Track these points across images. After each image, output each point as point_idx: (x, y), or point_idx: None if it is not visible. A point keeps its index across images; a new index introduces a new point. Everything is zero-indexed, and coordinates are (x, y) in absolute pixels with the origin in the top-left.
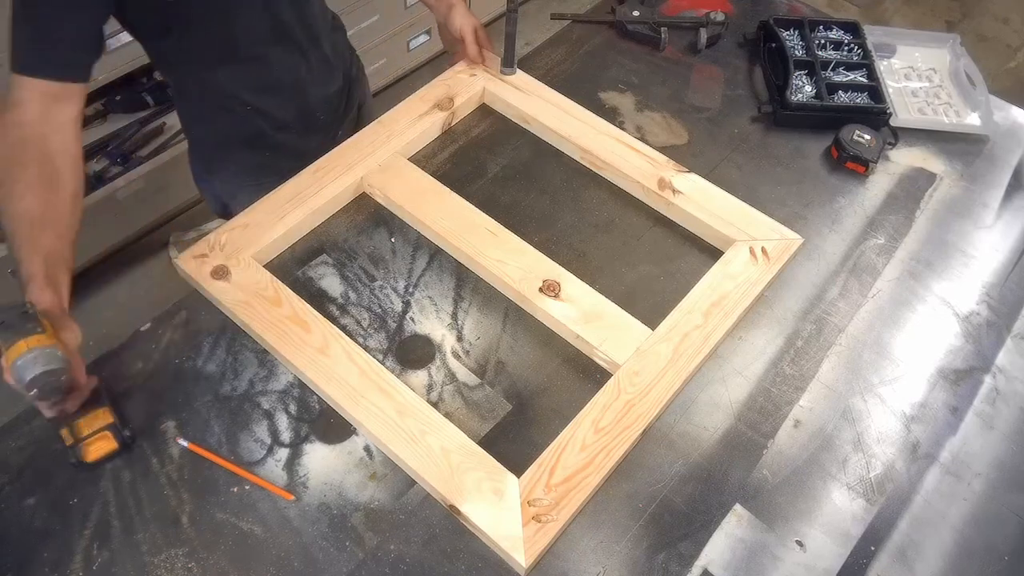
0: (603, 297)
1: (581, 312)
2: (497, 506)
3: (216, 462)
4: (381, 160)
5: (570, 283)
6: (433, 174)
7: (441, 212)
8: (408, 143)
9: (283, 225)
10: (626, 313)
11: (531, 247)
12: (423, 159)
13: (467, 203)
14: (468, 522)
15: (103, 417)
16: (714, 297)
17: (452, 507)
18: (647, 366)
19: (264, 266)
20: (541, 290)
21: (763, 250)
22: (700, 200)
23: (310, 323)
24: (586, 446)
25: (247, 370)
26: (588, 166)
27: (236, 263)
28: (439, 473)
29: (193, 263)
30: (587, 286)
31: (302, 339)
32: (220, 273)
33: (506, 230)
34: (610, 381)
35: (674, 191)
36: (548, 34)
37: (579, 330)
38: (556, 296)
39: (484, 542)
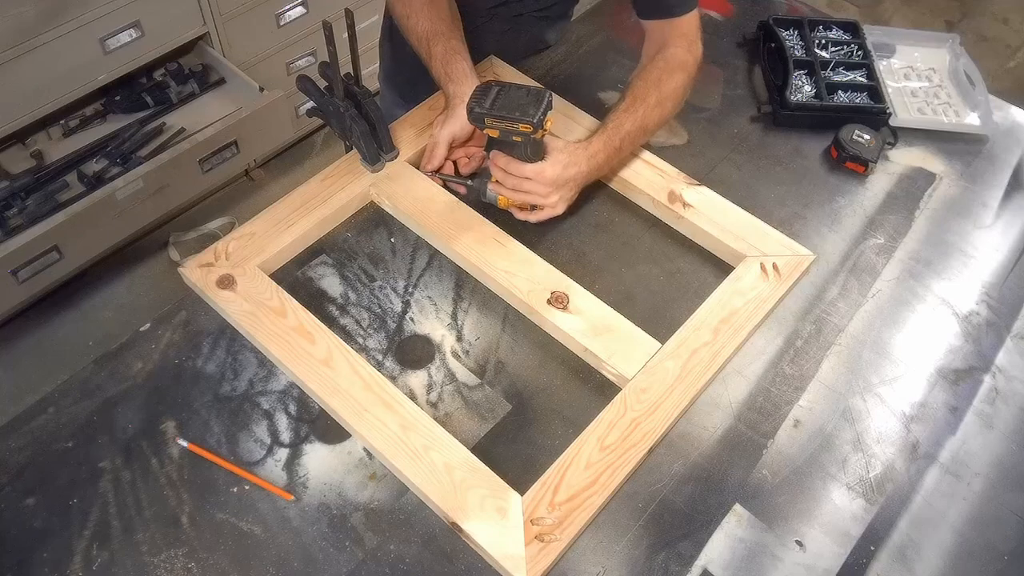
0: (611, 309)
1: (590, 324)
2: (500, 524)
3: (216, 462)
4: (389, 169)
5: (578, 295)
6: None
7: (449, 222)
8: (416, 152)
9: (290, 234)
10: (634, 325)
11: (538, 257)
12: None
13: (474, 212)
14: (470, 540)
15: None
16: (723, 313)
17: (454, 524)
18: (654, 383)
19: (269, 275)
20: (549, 302)
21: (774, 266)
22: (711, 214)
23: (314, 334)
24: (591, 464)
25: (247, 370)
26: (600, 177)
27: (242, 272)
28: (441, 490)
29: (199, 272)
30: (595, 297)
31: (306, 351)
32: (226, 283)
33: (513, 240)
34: (616, 397)
35: (684, 204)
36: None
37: (588, 343)
38: (564, 308)
39: (486, 559)
